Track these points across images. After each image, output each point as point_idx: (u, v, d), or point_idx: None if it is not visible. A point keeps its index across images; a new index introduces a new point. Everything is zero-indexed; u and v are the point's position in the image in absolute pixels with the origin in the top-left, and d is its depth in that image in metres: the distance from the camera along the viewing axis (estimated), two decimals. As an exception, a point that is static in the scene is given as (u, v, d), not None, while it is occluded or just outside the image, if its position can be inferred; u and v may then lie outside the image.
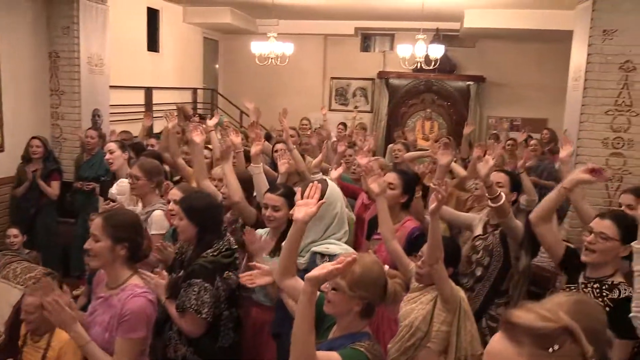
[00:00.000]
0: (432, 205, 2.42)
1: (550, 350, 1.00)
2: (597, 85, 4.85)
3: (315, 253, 2.44)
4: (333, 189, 2.53)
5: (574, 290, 2.38)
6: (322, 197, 2.34)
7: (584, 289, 2.38)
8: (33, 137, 5.30)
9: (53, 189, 5.32)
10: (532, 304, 1.10)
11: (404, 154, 5.11)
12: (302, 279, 2.18)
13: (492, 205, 3.00)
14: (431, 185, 3.35)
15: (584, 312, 1.52)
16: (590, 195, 4.58)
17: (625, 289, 2.28)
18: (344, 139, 4.75)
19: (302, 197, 2.02)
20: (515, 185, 3.37)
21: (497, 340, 1.07)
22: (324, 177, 2.83)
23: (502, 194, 3.00)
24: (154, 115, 8.06)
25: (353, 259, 1.68)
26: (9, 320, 3.79)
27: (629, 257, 2.24)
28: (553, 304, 1.57)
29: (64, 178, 5.53)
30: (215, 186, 3.63)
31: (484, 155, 3.48)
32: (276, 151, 4.48)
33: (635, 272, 1.82)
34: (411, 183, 3.30)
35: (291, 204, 2.74)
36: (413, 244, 2.91)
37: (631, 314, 1.85)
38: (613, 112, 4.83)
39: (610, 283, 2.34)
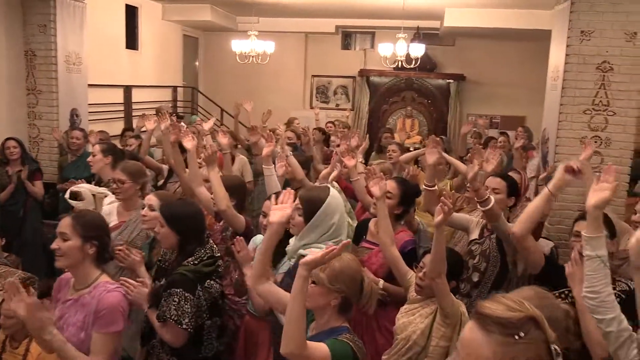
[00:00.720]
0: (437, 218, 2.35)
1: (516, 337, 1.10)
2: (575, 85, 4.92)
3: (301, 256, 2.42)
4: (334, 198, 2.48)
5: (563, 295, 2.36)
6: (320, 205, 2.39)
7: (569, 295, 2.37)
8: (8, 138, 5.18)
9: (38, 188, 5.24)
10: (500, 295, 1.22)
11: (398, 154, 5.09)
12: (287, 281, 2.21)
13: (481, 208, 2.96)
14: (423, 186, 3.38)
15: (547, 306, 1.66)
16: (567, 192, 4.66)
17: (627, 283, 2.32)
18: (345, 138, 4.62)
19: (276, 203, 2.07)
20: (513, 191, 3.27)
21: (469, 329, 1.17)
22: (327, 184, 2.81)
23: (491, 197, 2.94)
24: (133, 114, 8.01)
25: (345, 244, 1.78)
26: (-12, 326, 3.71)
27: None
28: (519, 296, 1.68)
29: (43, 179, 5.43)
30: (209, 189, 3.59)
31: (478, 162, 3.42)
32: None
33: (585, 257, 1.93)
34: (410, 195, 3.23)
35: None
36: (405, 257, 2.84)
37: (582, 294, 1.96)
38: (591, 111, 4.90)
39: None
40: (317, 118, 7.73)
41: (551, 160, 5.16)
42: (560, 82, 5.02)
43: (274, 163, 3.83)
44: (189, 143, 3.45)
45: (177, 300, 2.35)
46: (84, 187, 3.70)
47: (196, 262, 2.46)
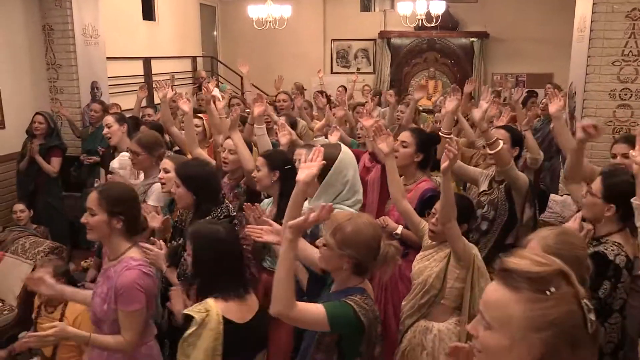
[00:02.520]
0: (443, 164, 2.40)
1: (548, 292, 1.02)
2: (603, 35, 4.72)
3: None
4: (346, 155, 2.49)
5: None
6: (332, 162, 2.37)
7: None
8: (37, 113, 5.27)
9: (53, 165, 5.25)
10: (523, 250, 1.15)
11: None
12: (309, 242, 2.21)
13: (490, 152, 3.01)
14: (440, 133, 3.40)
15: (567, 242, 1.67)
16: (597, 148, 4.52)
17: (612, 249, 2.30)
18: (342, 103, 4.64)
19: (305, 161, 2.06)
20: (516, 142, 3.36)
21: (494, 289, 1.09)
22: (339, 142, 2.79)
23: (500, 141, 3.00)
24: (154, 85, 8.02)
25: (328, 208, 1.79)
26: (20, 295, 3.85)
27: None
28: (539, 238, 1.72)
29: (67, 153, 5.51)
30: (224, 159, 3.60)
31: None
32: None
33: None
34: (426, 141, 3.22)
35: (272, 165, 2.76)
36: (425, 205, 2.89)
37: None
38: (620, 62, 4.71)
39: (605, 241, 2.34)
40: (321, 82, 7.57)
41: (579, 115, 5.00)
42: (587, 33, 4.82)
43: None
44: (185, 106, 3.45)
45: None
46: (126, 156, 3.75)
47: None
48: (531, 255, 1.09)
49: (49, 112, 5.45)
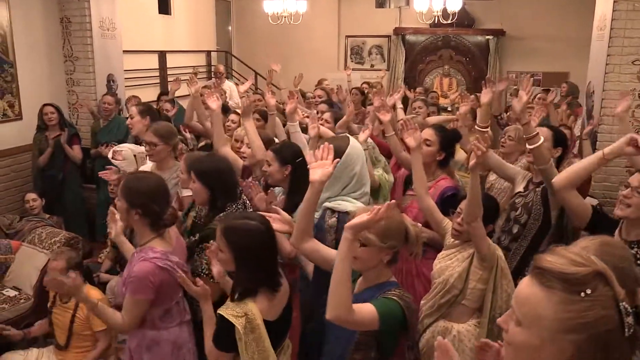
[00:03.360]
0: (471, 162, 2.34)
1: (582, 294, 0.98)
2: (624, 34, 4.65)
3: (326, 209, 2.43)
4: (354, 148, 2.46)
5: None
6: (341, 155, 2.33)
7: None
8: (46, 104, 5.29)
9: (76, 152, 5.36)
10: (561, 248, 1.09)
11: (425, 111, 4.97)
12: (314, 235, 2.19)
13: (529, 146, 2.78)
14: (476, 127, 3.28)
15: (610, 253, 1.54)
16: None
17: None
18: (379, 94, 4.50)
19: (315, 159, 2.03)
20: (559, 142, 3.13)
21: (526, 285, 1.05)
22: (347, 135, 2.76)
23: (541, 136, 2.77)
24: (169, 79, 8.07)
25: (390, 205, 1.70)
26: (37, 284, 3.89)
27: None
28: (580, 249, 1.59)
29: (82, 144, 5.56)
30: (238, 148, 3.60)
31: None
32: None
33: None
34: (449, 140, 3.19)
35: (283, 160, 2.73)
36: (445, 203, 2.84)
37: None
38: (640, 61, 4.65)
39: None
40: (349, 79, 7.56)
41: (597, 115, 4.93)
42: (607, 32, 4.75)
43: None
44: (213, 103, 3.44)
45: (208, 254, 2.37)
46: (125, 147, 3.77)
47: None
48: (569, 253, 1.04)
49: (55, 103, 5.46)
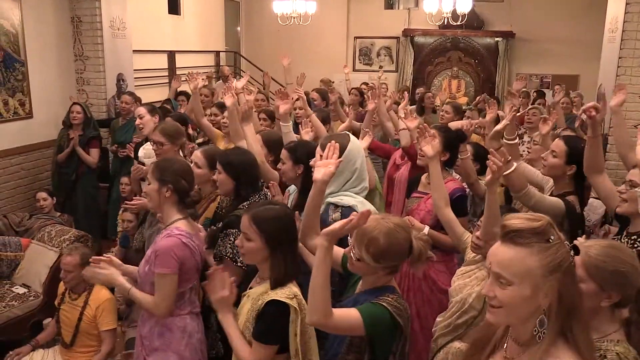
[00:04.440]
0: (487, 177, 2.25)
1: (550, 241, 1.22)
2: (636, 36, 4.63)
3: (329, 203, 2.46)
4: (354, 144, 2.52)
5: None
6: (342, 152, 2.36)
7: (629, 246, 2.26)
8: (74, 103, 5.34)
9: (92, 156, 5.32)
10: (511, 214, 1.31)
11: (451, 116, 4.93)
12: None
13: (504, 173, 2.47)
14: (504, 141, 3.12)
15: (613, 256, 1.60)
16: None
17: None
18: (375, 96, 4.48)
19: (321, 158, 2.03)
20: (575, 157, 2.78)
21: (505, 250, 1.24)
22: (347, 132, 2.78)
23: (514, 162, 2.62)
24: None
25: (367, 212, 1.70)
26: (46, 281, 3.91)
27: None
28: (584, 247, 1.72)
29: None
30: None
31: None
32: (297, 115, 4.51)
33: None
34: (452, 140, 3.14)
35: (296, 159, 2.75)
36: (453, 205, 2.78)
37: None
38: (652, 64, 4.62)
39: None
40: (347, 78, 7.53)
41: (607, 117, 4.90)
42: (619, 34, 4.73)
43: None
44: (228, 100, 3.47)
45: (232, 239, 2.43)
46: (149, 145, 3.79)
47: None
48: (521, 215, 1.28)
49: (85, 103, 5.51)
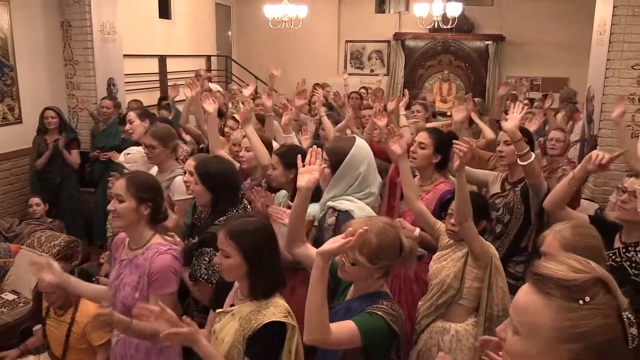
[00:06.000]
0: (455, 163, 2.37)
1: (581, 302, 0.95)
2: (623, 38, 4.66)
3: (329, 207, 2.45)
4: (360, 149, 2.48)
5: (612, 256, 2.28)
6: (343, 156, 2.37)
7: (626, 253, 2.27)
8: (47, 108, 5.29)
9: (74, 157, 5.35)
10: (563, 255, 1.08)
11: (423, 114, 5.00)
12: (317, 234, 2.18)
13: (521, 163, 2.86)
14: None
15: (584, 234, 1.76)
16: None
17: None
18: (377, 99, 4.47)
19: (303, 165, 1.98)
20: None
21: (525, 293, 1.03)
22: (355, 136, 2.78)
23: (532, 153, 2.86)
24: (169, 83, 8.08)
25: (364, 231, 1.63)
26: (36, 288, 3.87)
27: None
28: (554, 233, 1.82)
29: (81, 148, 5.55)
30: (236, 152, 3.60)
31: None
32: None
33: None
34: (443, 142, 3.16)
35: (287, 164, 2.76)
36: (445, 206, 2.82)
37: None
38: (640, 66, 4.66)
39: None
40: (345, 83, 7.56)
41: (597, 119, 4.94)
42: (607, 37, 4.77)
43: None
44: (210, 107, 3.44)
45: (207, 259, 2.36)
46: (134, 150, 3.76)
47: None
48: (569, 260, 1.02)
49: (57, 107, 5.45)
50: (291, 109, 3.99)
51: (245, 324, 1.85)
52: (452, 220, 2.51)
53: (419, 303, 2.64)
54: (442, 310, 2.52)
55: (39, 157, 5.25)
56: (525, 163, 2.83)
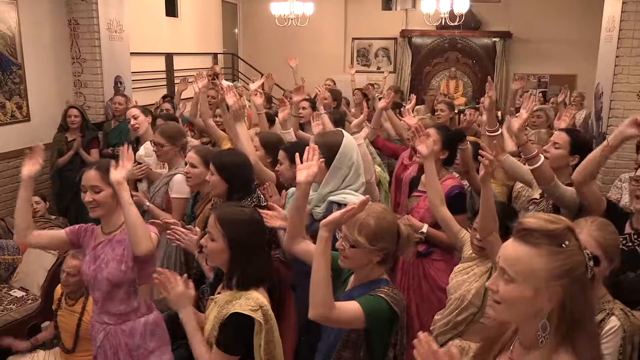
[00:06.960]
0: (481, 173, 2.24)
1: (563, 246, 1.18)
2: (632, 35, 4.64)
3: (332, 202, 2.45)
4: (349, 139, 2.54)
5: (623, 241, 2.26)
6: (337, 148, 2.43)
7: (638, 238, 2.31)
8: (71, 107, 5.35)
9: (93, 157, 5.34)
10: (534, 212, 1.27)
11: (447, 114, 4.91)
12: (318, 229, 2.18)
13: (530, 167, 2.66)
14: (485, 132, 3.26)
15: (607, 230, 1.83)
16: (625, 149, 4.42)
17: None
18: (387, 96, 4.43)
19: (302, 161, 2.06)
20: (577, 149, 2.78)
21: (514, 247, 1.23)
22: (339, 129, 2.79)
23: (541, 155, 2.63)
24: (175, 81, 8.11)
25: (366, 199, 1.73)
26: (44, 284, 3.90)
27: None
28: (587, 231, 1.87)
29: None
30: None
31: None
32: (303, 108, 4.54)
33: None
34: (451, 139, 3.14)
35: (293, 159, 2.76)
36: (451, 202, 2.79)
37: None
38: (649, 62, 4.62)
39: None
40: (352, 79, 7.54)
41: (605, 116, 4.91)
42: (616, 33, 4.74)
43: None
44: (230, 99, 3.45)
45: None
46: (148, 145, 3.78)
47: None
48: (543, 215, 1.24)
49: (80, 106, 5.50)
50: (289, 106, 4.00)
51: (220, 311, 1.91)
52: (478, 236, 2.33)
53: (435, 317, 2.49)
54: (461, 328, 2.35)
55: (59, 155, 5.29)
56: (533, 167, 2.63)
